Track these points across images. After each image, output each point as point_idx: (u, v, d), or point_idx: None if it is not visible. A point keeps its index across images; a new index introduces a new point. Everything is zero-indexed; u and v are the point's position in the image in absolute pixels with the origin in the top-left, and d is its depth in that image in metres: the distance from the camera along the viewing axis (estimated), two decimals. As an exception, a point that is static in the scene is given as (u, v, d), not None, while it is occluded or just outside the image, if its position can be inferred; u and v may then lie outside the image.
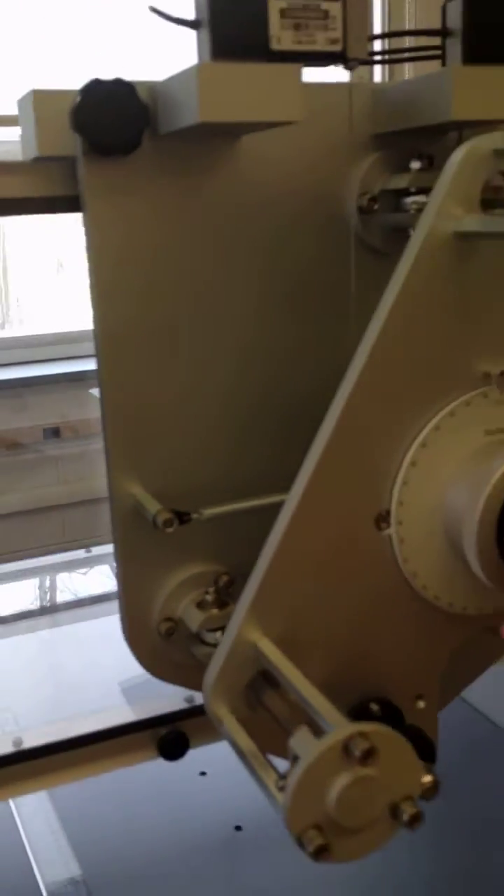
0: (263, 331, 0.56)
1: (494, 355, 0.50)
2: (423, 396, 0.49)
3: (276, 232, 0.55)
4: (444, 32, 0.49)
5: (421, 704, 0.55)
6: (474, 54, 0.49)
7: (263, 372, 0.56)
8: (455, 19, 0.48)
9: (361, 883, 0.76)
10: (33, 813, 0.82)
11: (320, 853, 0.40)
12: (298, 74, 0.45)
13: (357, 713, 0.53)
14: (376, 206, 0.56)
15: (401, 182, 0.54)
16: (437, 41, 0.51)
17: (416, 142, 0.55)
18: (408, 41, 0.61)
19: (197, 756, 0.75)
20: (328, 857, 0.41)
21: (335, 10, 0.45)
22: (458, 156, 0.47)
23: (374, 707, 0.53)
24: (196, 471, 0.57)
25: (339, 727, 0.41)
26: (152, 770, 0.87)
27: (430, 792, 0.46)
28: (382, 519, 0.51)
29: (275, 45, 0.44)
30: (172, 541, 0.56)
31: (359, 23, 0.46)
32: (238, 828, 0.84)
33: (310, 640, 0.51)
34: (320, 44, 0.45)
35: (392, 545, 0.51)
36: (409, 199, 0.54)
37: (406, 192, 0.54)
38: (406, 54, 0.56)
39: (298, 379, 0.56)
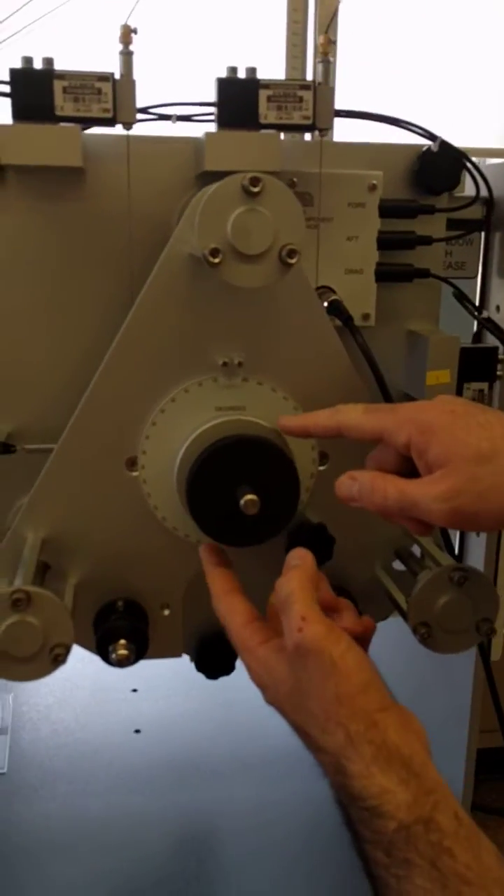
0: (107, 318, 0.72)
1: (222, 349, 0.66)
2: (163, 375, 0.66)
3: (118, 246, 0.72)
4: (215, 103, 0.65)
5: (166, 612, 0.71)
6: (225, 121, 0.64)
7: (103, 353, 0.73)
8: (216, 93, 0.64)
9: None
10: None
11: None
12: (76, 133, 0.64)
13: (106, 607, 0.70)
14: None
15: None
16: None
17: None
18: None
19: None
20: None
21: (106, 87, 0.62)
22: (196, 197, 0.63)
23: (119, 603, 0.70)
24: (43, 419, 0.75)
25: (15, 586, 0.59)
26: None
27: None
28: (132, 463, 0.68)
29: (59, 112, 0.62)
30: (18, 470, 0.74)
31: (126, 96, 0.63)
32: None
33: (73, 545, 0.69)
34: (95, 112, 0.63)
35: (139, 484, 0.68)
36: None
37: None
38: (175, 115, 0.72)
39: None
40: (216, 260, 0.55)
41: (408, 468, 0.58)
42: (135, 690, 1.07)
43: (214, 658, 0.76)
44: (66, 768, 0.95)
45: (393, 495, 0.56)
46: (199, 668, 0.77)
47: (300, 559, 0.58)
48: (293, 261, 0.56)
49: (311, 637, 0.53)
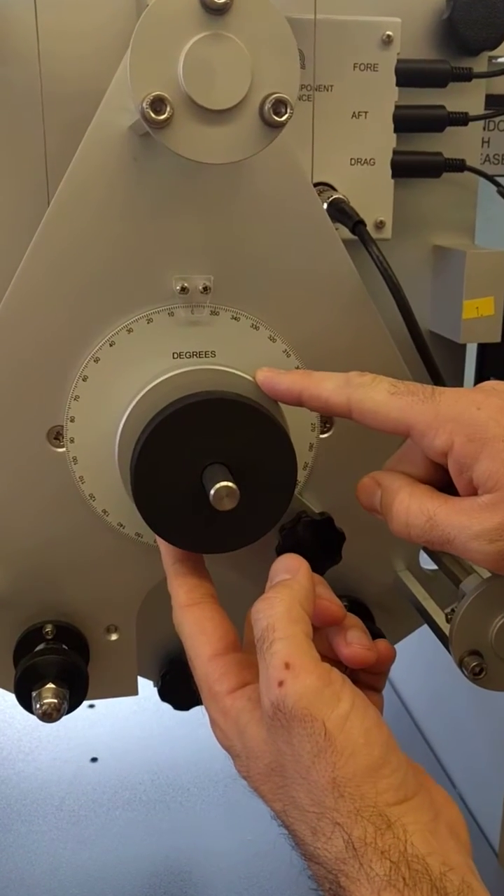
0: (14, 233, 0.52)
1: (180, 267, 0.46)
2: (95, 309, 0.46)
3: (30, 131, 0.51)
4: None
5: (113, 637, 0.53)
6: None
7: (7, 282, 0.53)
8: None
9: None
10: None
11: None
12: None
13: (30, 634, 0.51)
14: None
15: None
16: None
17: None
18: None
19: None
20: None
21: None
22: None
23: (48, 628, 0.51)
24: None
25: None
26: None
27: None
28: (56, 435, 0.48)
29: None
30: None
31: None
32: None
33: (-13, 551, 0.49)
34: None
35: (67, 463, 0.48)
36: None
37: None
38: None
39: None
40: (162, 116, 0.35)
41: (440, 477, 0.41)
42: (91, 706, 0.88)
43: (185, 686, 0.58)
44: (5, 811, 0.76)
45: (417, 522, 0.39)
46: (164, 696, 0.59)
47: (289, 571, 0.40)
48: (283, 119, 0.36)
49: (297, 696, 0.35)
